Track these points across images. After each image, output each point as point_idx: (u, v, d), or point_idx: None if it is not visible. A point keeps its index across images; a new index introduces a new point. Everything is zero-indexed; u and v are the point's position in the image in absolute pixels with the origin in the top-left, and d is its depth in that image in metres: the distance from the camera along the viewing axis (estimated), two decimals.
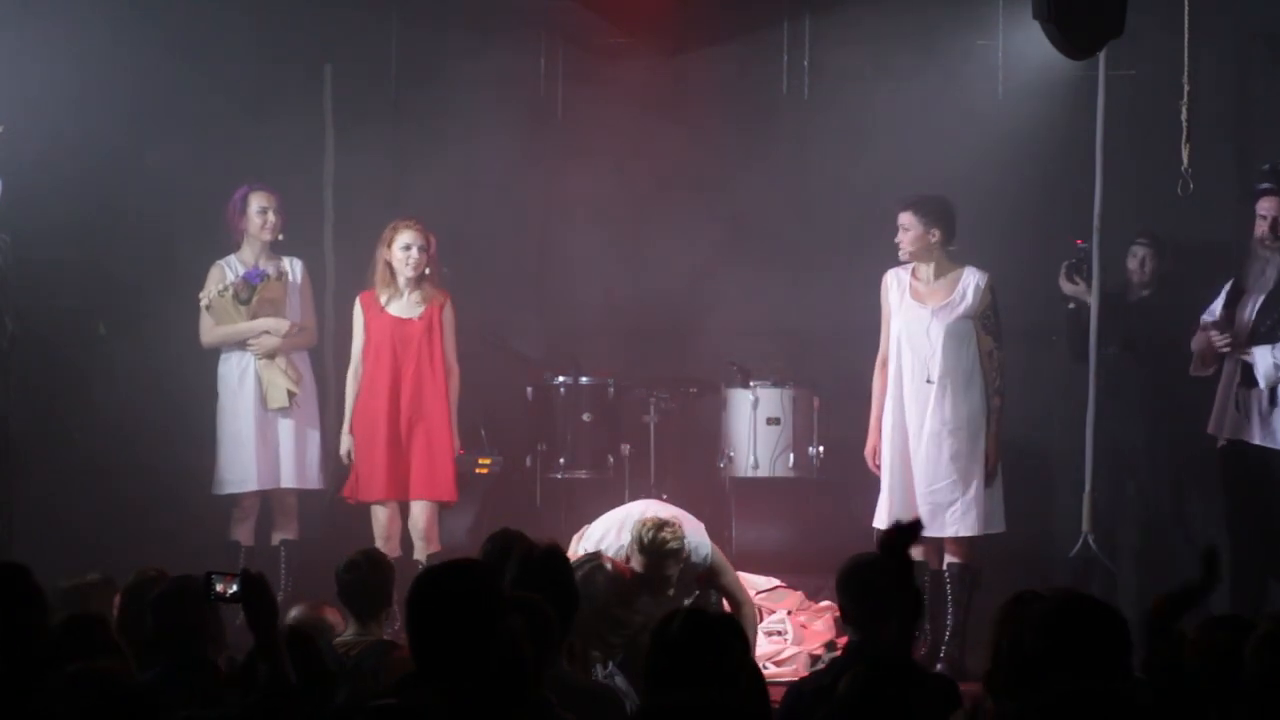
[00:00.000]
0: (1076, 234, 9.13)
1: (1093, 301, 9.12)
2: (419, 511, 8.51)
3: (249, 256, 8.74)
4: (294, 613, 6.06)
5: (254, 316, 8.65)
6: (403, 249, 8.46)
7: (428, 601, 3.96)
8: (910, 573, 4.25)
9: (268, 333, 8.67)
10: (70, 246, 8.81)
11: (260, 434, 8.65)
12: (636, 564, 6.89)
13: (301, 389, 8.71)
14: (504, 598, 4.07)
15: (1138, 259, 8.90)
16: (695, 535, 7.16)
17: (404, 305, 8.54)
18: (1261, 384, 7.83)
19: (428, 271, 8.50)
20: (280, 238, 8.75)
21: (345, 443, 8.58)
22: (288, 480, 8.72)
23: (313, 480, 8.81)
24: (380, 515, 8.51)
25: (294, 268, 8.84)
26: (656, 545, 6.83)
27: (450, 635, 3.91)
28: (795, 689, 5.20)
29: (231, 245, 8.78)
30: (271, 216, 8.69)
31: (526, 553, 5.26)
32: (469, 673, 3.88)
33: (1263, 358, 7.84)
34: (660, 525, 6.87)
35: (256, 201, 8.69)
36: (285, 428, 8.71)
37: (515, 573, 5.11)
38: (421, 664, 3.94)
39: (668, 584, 6.90)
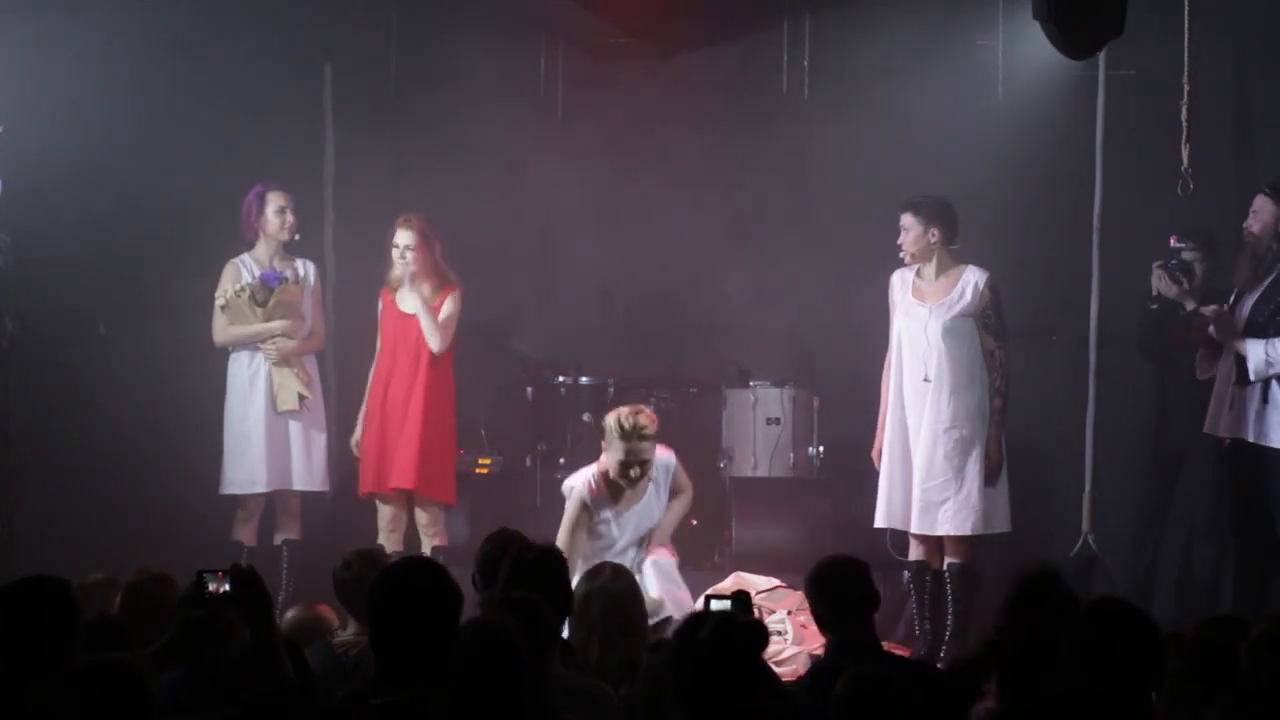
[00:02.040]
0: (1076, 234, 9.15)
1: (1093, 301, 9.14)
2: (419, 506, 8.56)
3: (263, 255, 8.70)
4: (292, 614, 6.05)
5: (269, 319, 8.64)
6: (396, 247, 8.49)
7: (385, 600, 3.98)
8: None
9: (282, 335, 8.65)
10: (70, 246, 8.79)
11: (270, 436, 8.63)
12: (616, 453, 7.56)
13: (310, 392, 8.71)
14: (461, 596, 4.08)
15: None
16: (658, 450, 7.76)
17: (409, 301, 8.55)
18: (1251, 376, 7.80)
19: (413, 268, 8.48)
20: (297, 238, 8.74)
21: (356, 431, 8.66)
22: (297, 482, 8.71)
23: (319, 482, 8.80)
24: (384, 509, 8.57)
25: (307, 270, 8.82)
26: (636, 429, 7.58)
27: (407, 634, 3.93)
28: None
29: (239, 243, 8.74)
30: (289, 216, 8.66)
31: (521, 552, 5.25)
32: (426, 672, 3.88)
33: (1254, 351, 7.82)
34: (638, 411, 7.71)
35: (274, 201, 8.64)
36: (294, 430, 8.69)
37: (510, 573, 5.10)
38: (381, 662, 3.95)
39: (645, 470, 7.62)
